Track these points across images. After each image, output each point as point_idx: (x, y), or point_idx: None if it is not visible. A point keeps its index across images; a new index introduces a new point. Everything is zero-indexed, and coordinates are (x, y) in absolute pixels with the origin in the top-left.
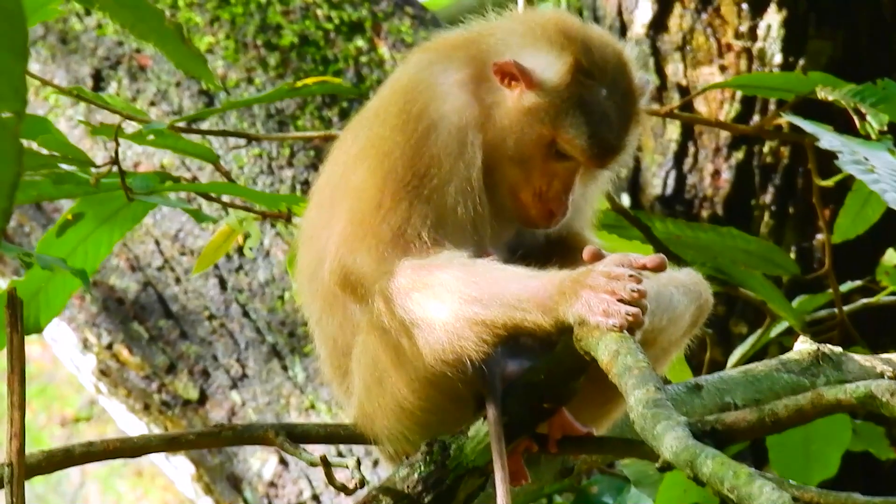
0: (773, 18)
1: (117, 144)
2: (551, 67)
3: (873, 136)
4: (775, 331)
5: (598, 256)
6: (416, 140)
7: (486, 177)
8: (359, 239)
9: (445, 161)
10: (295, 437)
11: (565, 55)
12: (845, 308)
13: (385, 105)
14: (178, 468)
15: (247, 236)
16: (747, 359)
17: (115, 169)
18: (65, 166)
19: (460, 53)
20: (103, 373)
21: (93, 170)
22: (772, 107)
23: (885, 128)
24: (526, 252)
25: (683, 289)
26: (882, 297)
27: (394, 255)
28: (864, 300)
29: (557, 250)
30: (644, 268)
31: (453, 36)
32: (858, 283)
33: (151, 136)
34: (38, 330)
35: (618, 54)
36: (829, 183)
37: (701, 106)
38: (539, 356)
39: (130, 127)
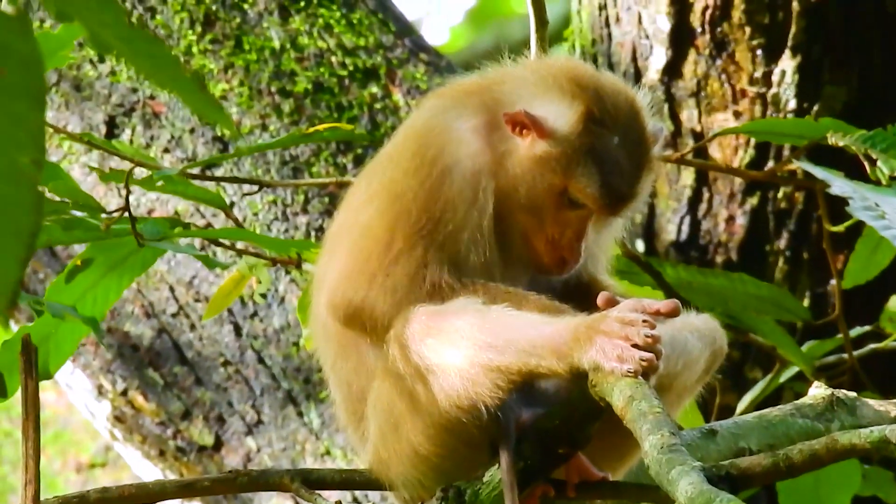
0: (787, 64)
1: (128, 190)
2: (562, 116)
3: (884, 182)
4: (785, 376)
5: (612, 302)
6: (430, 184)
7: (498, 223)
8: (368, 277)
9: (460, 207)
10: (310, 482)
11: (577, 104)
12: (855, 353)
13: (398, 150)
14: None
15: (259, 282)
16: (757, 403)
17: (125, 215)
18: (76, 212)
19: (474, 100)
20: (118, 419)
21: (103, 216)
22: (786, 152)
23: None
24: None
25: (698, 334)
26: (891, 342)
27: (411, 297)
28: (874, 345)
29: (573, 296)
30: (658, 313)
31: (467, 82)
32: (868, 328)
33: (161, 182)
34: (49, 376)
35: (630, 102)
36: (840, 228)
37: (715, 152)
38: (553, 403)
39: (144, 173)
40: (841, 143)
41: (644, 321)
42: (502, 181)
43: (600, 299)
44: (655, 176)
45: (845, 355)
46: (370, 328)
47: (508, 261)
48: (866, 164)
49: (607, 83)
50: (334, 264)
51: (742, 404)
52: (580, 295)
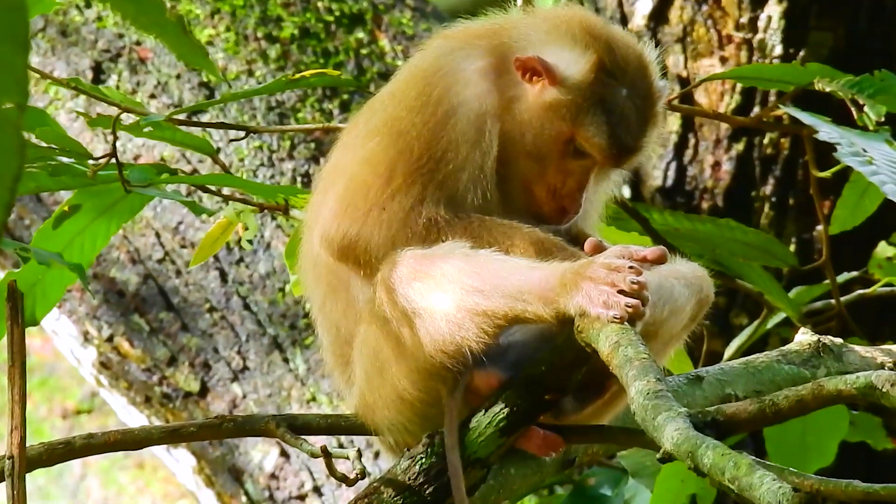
0: (773, 10)
1: (115, 136)
2: (575, 65)
3: (871, 127)
4: (772, 322)
5: (599, 248)
6: (434, 123)
7: (499, 168)
8: (364, 210)
9: (462, 147)
10: (296, 428)
11: (589, 53)
12: (843, 299)
13: (403, 88)
14: (179, 460)
15: (246, 228)
16: (744, 350)
17: (112, 161)
18: (63, 158)
19: (482, 42)
20: (104, 365)
21: (90, 162)
22: (772, 98)
23: (883, 118)
24: None
25: (685, 281)
26: (878, 288)
27: (409, 232)
28: (861, 291)
29: None
30: (645, 260)
31: (475, 26)
32: (855, 273)
33: (149, 128)
34: (35, 323)
35: (639, 56)
36: (827, 174)
37: (701, 97)
38: (513, 368)
39: (130, 119)
40: (828, 89)
41: (630, 267)
42: (508, 125)
43: (587, 245)
44: (660, 131)
45: (833, 301)
46: (364, 262)
47: (505, 206)
48: (853, 109)
49: (618, 36)
50: (330, 198)
51: (729, 350)
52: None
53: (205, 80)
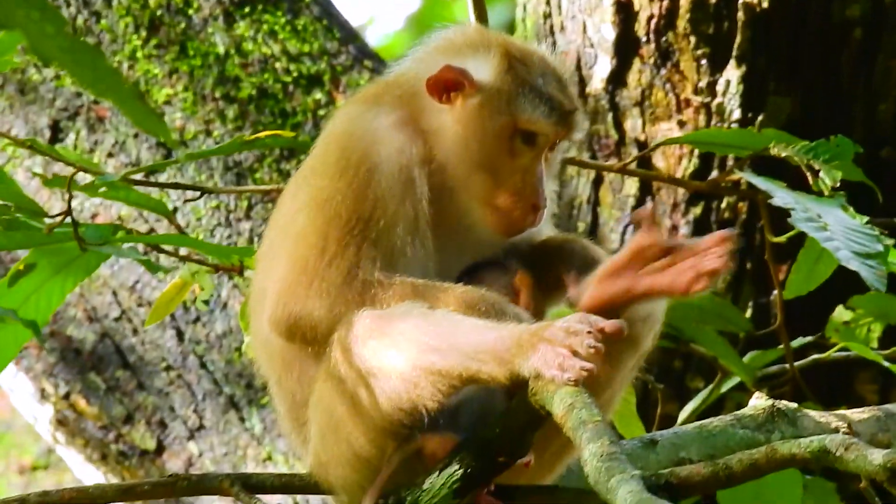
0: (731, 74)
1: (70, 195)
2: (485, 64)
3: (826, 193)
4: (726, 386)
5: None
6: (357, 185)
7: (441, 207)
8: (305, 285)
9: (391, 203)
10: (250, 487)
11: (494, 50)
12: (797, 364)
13: (321, 157)
14: None
15: (202, 289)
16: (699, 414)
17: (68, 219)
18: (19, 216)
19: (387, 97)
20: (60, 422)
21: (46, 220)
22: (731, 162)
23: (838, 184)
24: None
25: None
26: (833, 354)
27: (347, 297)
28: (816, 356)
29: (529, 261)
30: (602, 332)
31: (374, 85)
32: (810, 338)
33: (103, 189)
34: None
35: (540, 52)
36: (782, 239)
37: (659, 161)
38: (466, 429)
39: (87, 178)
40: (784, 154)
41: (588, 332)
42: (441, 160)
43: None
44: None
45: (787, 366)
46: (311, 337)
47: (449, 245)
48: (809, 175)
49: (511, 37)
50: (273, 280)
51: (683, 414)
52: (537, 258)
53: (163, 139)
